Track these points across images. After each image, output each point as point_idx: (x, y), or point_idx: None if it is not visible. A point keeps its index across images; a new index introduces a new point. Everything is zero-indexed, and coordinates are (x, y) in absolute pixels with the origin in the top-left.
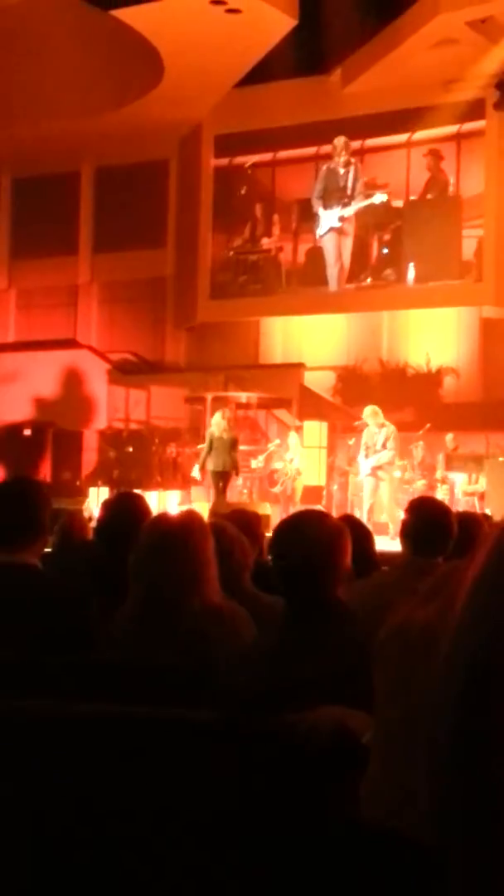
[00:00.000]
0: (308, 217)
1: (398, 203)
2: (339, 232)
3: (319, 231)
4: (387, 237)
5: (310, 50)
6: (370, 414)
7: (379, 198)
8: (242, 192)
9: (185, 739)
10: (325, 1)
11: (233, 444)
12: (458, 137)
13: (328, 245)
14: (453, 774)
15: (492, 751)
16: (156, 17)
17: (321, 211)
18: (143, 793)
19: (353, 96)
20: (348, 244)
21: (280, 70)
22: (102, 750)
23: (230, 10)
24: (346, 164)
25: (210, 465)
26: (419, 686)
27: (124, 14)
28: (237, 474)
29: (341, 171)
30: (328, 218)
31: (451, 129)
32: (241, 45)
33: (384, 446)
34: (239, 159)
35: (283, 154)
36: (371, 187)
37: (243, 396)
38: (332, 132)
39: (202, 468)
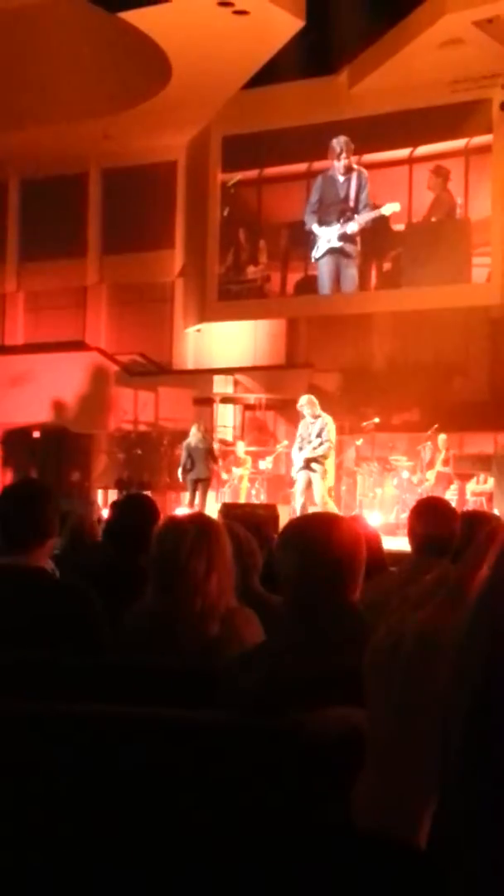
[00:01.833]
0: (299, 243)
1: (399, 227)
2: (340, 254)
3: (316, 253)
4: (387, 266)
5: (317, 51)
6: (306, 403)
7: (390, 208)
8: (225, 213)
9: (193, 740)
10: (332, 2)
11: (208, 453)
12: (466, 153)
13: (324, 272)
14: (467, 779)
15: None
16: (163, 18)
17: (315, 228)
18: (150, 792)
19: (359, 97)
20: (351, 273)
21: (287, 71)
22: (110, 751)
23: (238, 12)
24: (348, 171)
25: (191, 475)
26: (412, 692)
27: (131, 16)
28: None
29: (341, 178)
30: (326, 236)
31: (459, 143)
32: (249, 47)
33: (318, 437)
34: (223, 177)
35: (271, 171)
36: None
37: (251, 398)
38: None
39: (183, 477)
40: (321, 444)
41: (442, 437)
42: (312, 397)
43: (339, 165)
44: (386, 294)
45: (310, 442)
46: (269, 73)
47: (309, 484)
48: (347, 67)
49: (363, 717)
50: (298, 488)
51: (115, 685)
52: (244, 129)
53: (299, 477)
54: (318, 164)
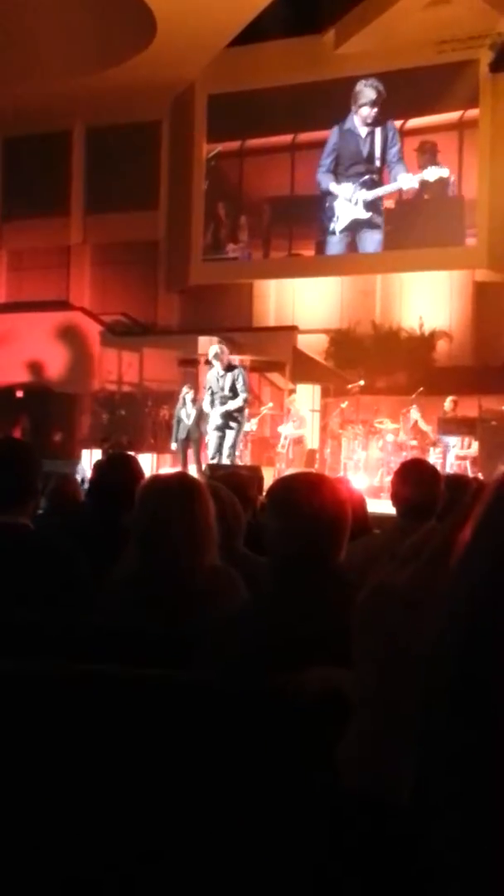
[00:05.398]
0: (281, 219)
1: (389, 204)
2: (367, 226)
3: (337, 224)
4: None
5: (303, 10)
6: (214, 355)
7: (434, 173)
8: (204, 187)
9: (177, 699)
10: None
11: (199, 416)
12: (459, 127)
13: (336, 250)
14: (448, 730)
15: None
16: None
17: (333, 187)
18: (136, 751)
19: (345, 57)
20: (375, 237)
21: (273, 30)
22: (95, 710)
23: None
24: (374, 122)
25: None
26: (399, 648)
27: None
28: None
29: (363, 131)
30: (346, 194)
31: (452, 116)
32: (235, 4)
33: (232, 391)
34: (206, 147)
35: (254, 143)
36: None
37: (236, 359)
38: (322, 113)
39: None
40: (239, 396)
41: (449, 398)
42: (221, 346)
43: (363, 115)
44: (373, 257)
45: (223, 397)
46: (255, 32)
47: (221, 443)
48: (334, 27)
49: (345, 678)
50: (211, 448)
51: (99, 645)
52: (229, 87)
53: (213, 436)
54: (303, 136)
